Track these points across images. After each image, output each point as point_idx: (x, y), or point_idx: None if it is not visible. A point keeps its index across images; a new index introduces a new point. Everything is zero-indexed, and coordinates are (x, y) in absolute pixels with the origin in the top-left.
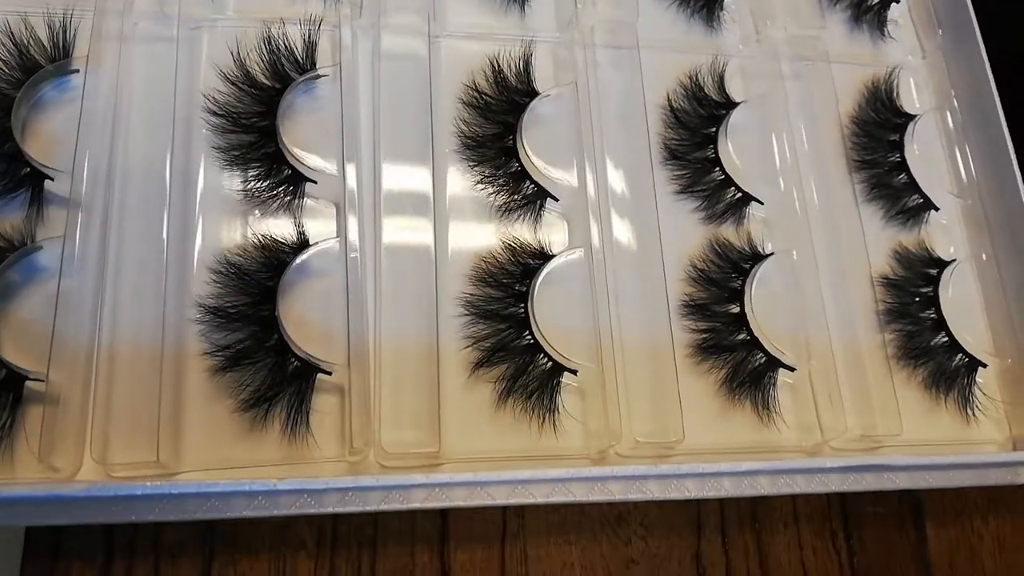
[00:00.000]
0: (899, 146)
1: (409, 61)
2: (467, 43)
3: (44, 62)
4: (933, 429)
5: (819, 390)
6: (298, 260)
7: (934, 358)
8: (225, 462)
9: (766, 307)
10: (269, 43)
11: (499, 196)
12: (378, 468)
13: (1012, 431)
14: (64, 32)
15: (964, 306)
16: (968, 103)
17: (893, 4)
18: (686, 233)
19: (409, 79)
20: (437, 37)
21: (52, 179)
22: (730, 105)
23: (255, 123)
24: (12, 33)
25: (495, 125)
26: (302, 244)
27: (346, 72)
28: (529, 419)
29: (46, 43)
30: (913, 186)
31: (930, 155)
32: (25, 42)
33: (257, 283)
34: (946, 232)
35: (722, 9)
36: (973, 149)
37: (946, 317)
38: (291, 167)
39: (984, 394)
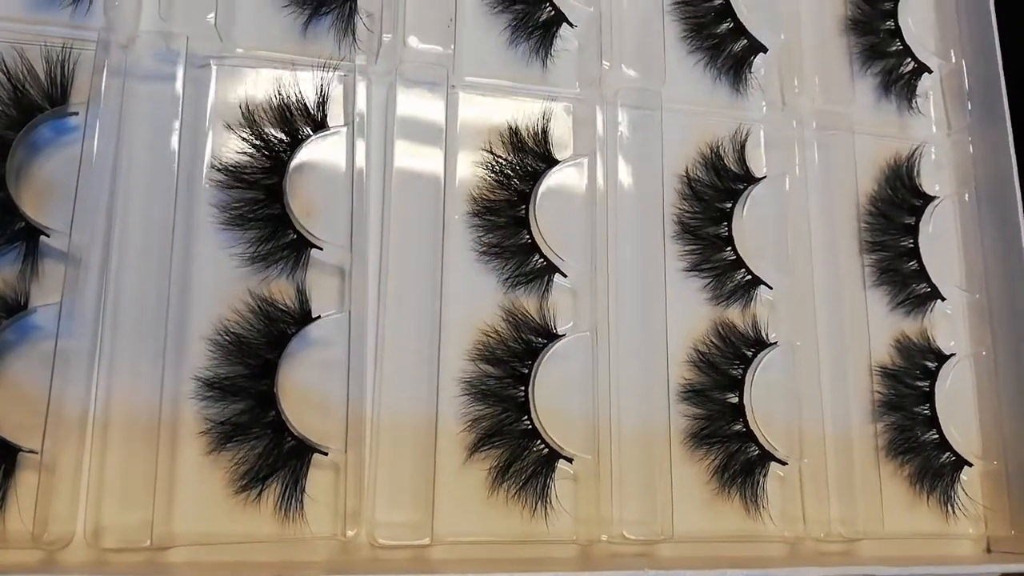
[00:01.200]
0: (913, 231)
1: (425, 113)
2: (486, 96)
3: (40, 99)
4: (913, 523)
5: (807, 483)
6: (300, 333)
7: (922, 454)
8: (217, 537)
9: (764, 395)
10: (279, 93)
11: (507, 268)
12: (369, 548)
13: (987, 529)
14: (63, 68)
15: (958, 403)
16: (988, 192)
17: (925, 74)
18: (692, 313)
19: (424, 133)
20: (455, 88)
21: (48, 236)
22: (749, 179)
23: (260, 180)
24: (6, 67)
25: (509, 192)
26: (305, 316)
27: (358, 127)
28: (521, 505)
29: (43, 78)
30: (922, 274)
31: (944, 242)
32: (21, 77)
33: (257, 355)
34: (950, 323)
35: (750, 71)
36: (987, 242)
37: (939, 413)
38: (296, 231)
39: (966, 493)
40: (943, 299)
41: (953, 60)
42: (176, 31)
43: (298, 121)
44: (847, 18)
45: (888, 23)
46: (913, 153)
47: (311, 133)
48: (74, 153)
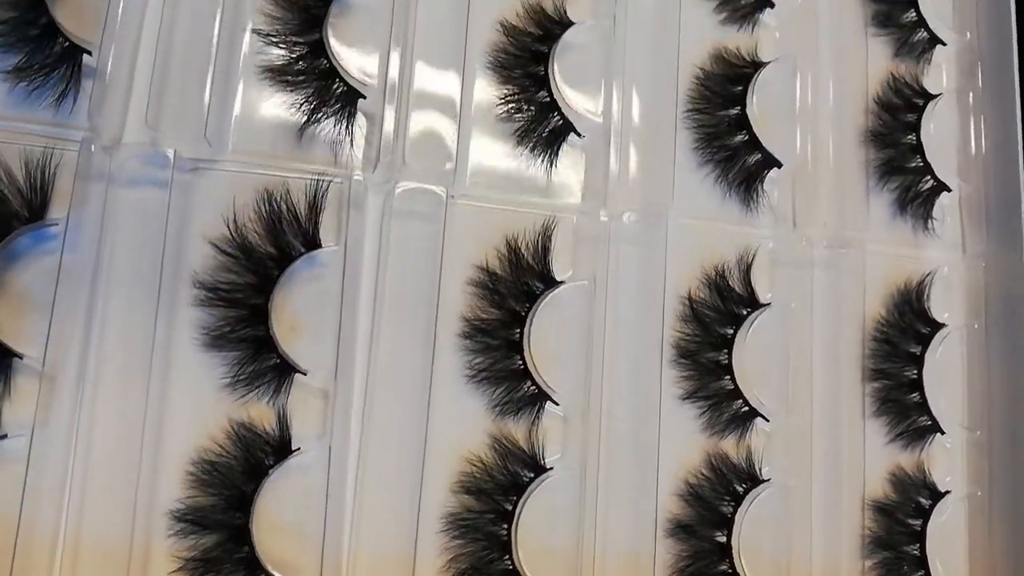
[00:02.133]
0: (919, 361)
1: (421, 226)
2: (486, 207)
3: (19, 207)
4: None
5: None
6: (280, 466)
7: None
8: None
9: (753, 531)
10: (269, 204)
11: (497, 393)
12: None
13: None
14: (43, 173)
15: (949, 541)
16: (997, 324)
17: (944, 193)
18: (685, 442)
19: (419, 247)
20: (454, 198)
21: (21, 358)
22: (754, 304)
23: (245, 299)
24: None
25: (504, 312)
26: (284, 446)
27: (352, 242)
28: None
29: (22, 183)
30: (924, 407)
31: (948, 375)
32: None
33: (232, 486)
34: (948, 458)
35: (762, 187)
36: (992, 378)
37: (928, 554)
38: (280, 356)
39: None
40: (943, 433)
41: (974, 181)
42: (163, 138)
43: (288, 236)
44: (867, 130)
45: (909, 137)
46: (924, 279)
47: (302, 250)
48: (52, 264)
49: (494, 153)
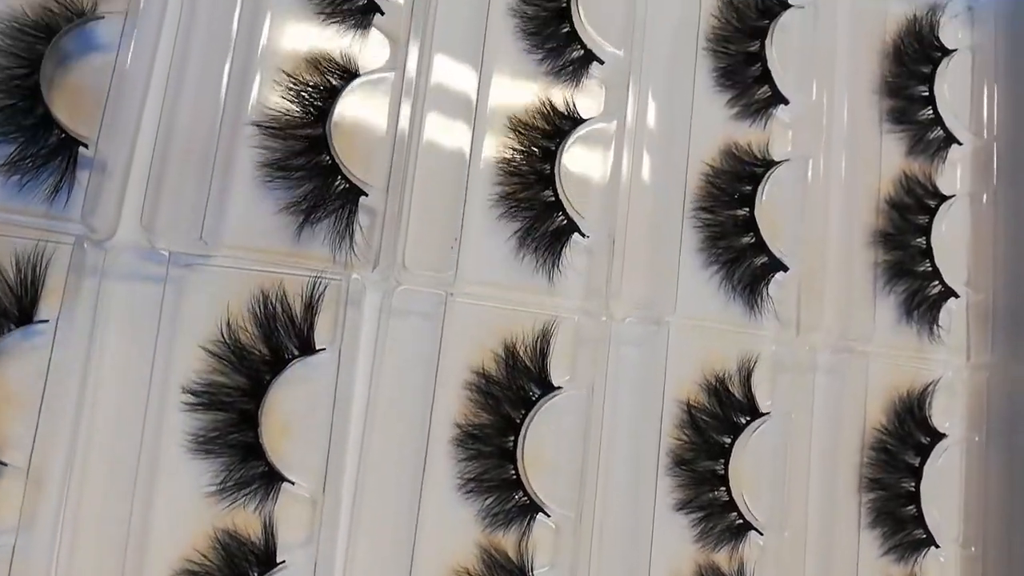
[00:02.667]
0: (916, 473)
1: (420, 321)
2: (486, 306)
3: (8, 303)
4: None
5: None
6: None
7: None
8: None
9: None
10: (264, 305)
11: (488, 503)
12: None
13: None
14: (34, 269)
15: None
16: (998, 438)
17: (952, 299)
18: (677, 553)
19: (417, 344)
20: (454, 296)
21: (5, 464)
22: (754, 412)
23: (235, 403)
24: None
25: (499, 418)
26: (269, 558)
27: (347, 343)
28: None
29: (12, 279)
30: (919, 521)
31: (945, 488)
32: None
33: None
34: (941, 572)
35: (767, 290)
36: (990, 494)
37: None
38: (268, 463)
39: None
40: (937, 546)
41: (983, 288)
42: (158, 235)
43: (283, 338)
44: (877, 230)
45: (920, 239)
46: (927, 387)
47: (296, 353)
48: (41, 363)
49: (496, 251)
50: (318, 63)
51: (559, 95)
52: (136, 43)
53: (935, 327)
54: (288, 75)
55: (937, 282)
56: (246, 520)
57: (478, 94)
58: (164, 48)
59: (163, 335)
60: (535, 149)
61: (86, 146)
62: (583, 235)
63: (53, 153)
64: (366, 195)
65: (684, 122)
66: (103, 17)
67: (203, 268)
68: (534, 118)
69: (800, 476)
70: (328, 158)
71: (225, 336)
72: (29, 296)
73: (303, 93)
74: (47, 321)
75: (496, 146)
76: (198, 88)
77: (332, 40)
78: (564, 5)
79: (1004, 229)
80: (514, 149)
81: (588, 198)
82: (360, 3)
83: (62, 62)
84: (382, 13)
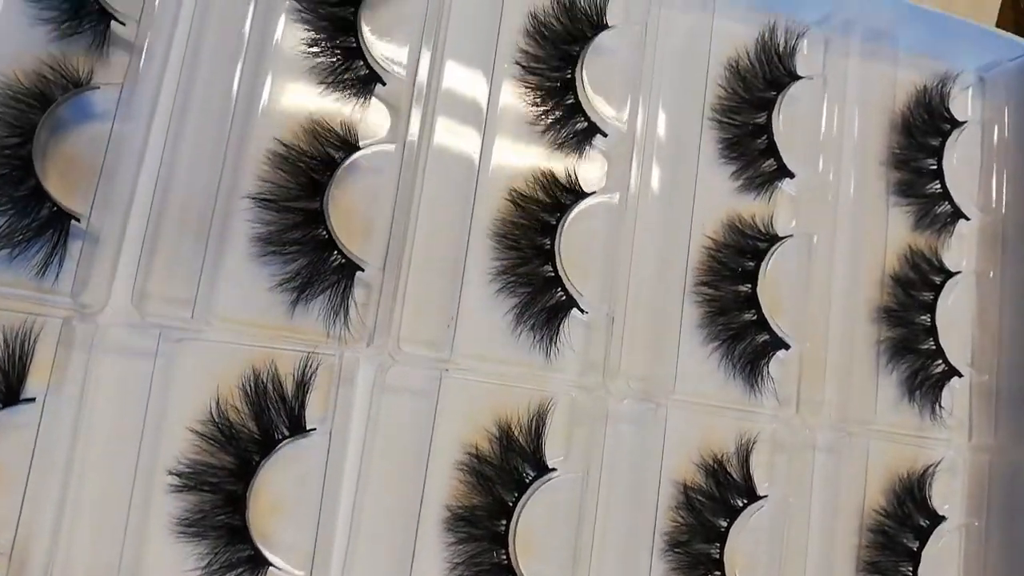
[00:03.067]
0: (915, 557)
1: (414, 398)
2: (482, 382)
3: None
4: None
5: None
6: None
7: None
8: None
9: None
10: (255, 384)
11: None
12: None
13: None
14: (23, 344)
15: None
16: (998, 522)
17: (955, 378)
18: None
19: (410, 421)
20: (449, 371)
21: None
22: (751, 495)
23: (223, 485)
24: None
25: (492, 500)
26: None
27: (339, 421)
28: None
29: (0, 355)
30: None
31: (944, 573)
32: None
33: None
34: None
35: (768, 368)
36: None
37: None
38: (254, 548)
39: None
40: None
41: (986, 368)
42: (150, 310)
43: (273, 418)
44: (881, 306)
45: (924, 316)
46: (928, 469)
47: (286, 433)
48: (27, 441)
49: (493, 327)
50: (317, 133)
51: (561, 167)
52: (132, 114)
53: (937, 407)
54: (286, 145)
55: (940, 361)
56: None
57: (479, 167)
58: (160, 119)
59: (152, 412)
60: (535, 223)
61: (78, 220)
62: (582, 311)
63: (44, 226)
64: (362, 270)
65: (688, 194)
66: (99, 87)
67: (194, 343)
68: (535, 191)
69: (797, 559)
70: (325, 232)
71: (215, 415)
72: (16, 373)
73: (300, 164)
74: (33, 400)
75: (496, 219)
76: (194, 160)
77: (332, 109)
78: (569, 76)
79: (1010, 308)
80: (514, 223)
81: (588, 273)
82: (362, 73)
83: (56, 132)
84: (384, 83)
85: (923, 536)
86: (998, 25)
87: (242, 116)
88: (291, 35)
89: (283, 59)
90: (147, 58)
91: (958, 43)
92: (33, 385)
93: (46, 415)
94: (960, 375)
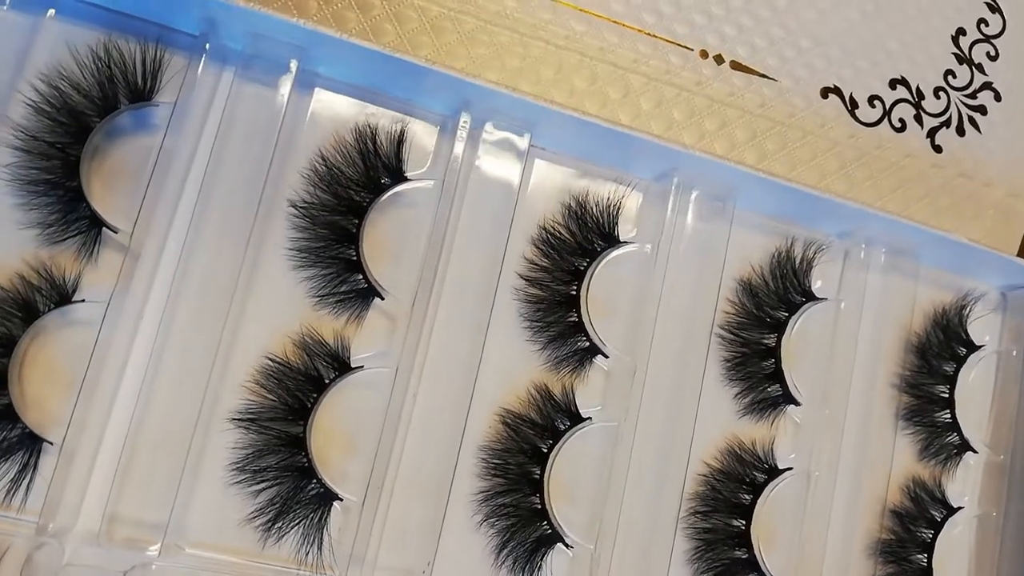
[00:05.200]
0: None
1: None
2: None
3: None
4: None
5: None
6: None
7: None
8: None
9: None
10: None
11: None
12: None
13: None
14: None
15: None
16: None
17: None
18: None
19: None
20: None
21: None
22: None
23: None
24: None
25: None
26: None
27: None
28: None
29: None
30: None
31: None
32: None
33: None
34: None
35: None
36: None
37: None
38: None
39: None
40: None
41: None
42: (120, 533)
43: None
44: (879, 539)
45: (921, 555)
46: None
47: None
48: None
49: (473, 561)
50: (307, 347)
51: (559, 387)
52: (116, 330)
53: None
54: (273, 361)
55: None
56: None
57: (474, 388)
58: (142, 341)
59: None
60: (525, 447)
61: (51, 443)
62: (567, 546)
63: (15, 446)
64: (341, 500)
65: (689, 416)
66: (83, 301)
67: (165, 569)
68: (529, 412)
69: None
70: (304, 459)
71: None
72: None
73: (287, 383)
74: None
75: (484, 443)
76: (177, 382)
77: (326, 322)
78: (574, 292)
79: (1011, 550)
80: (502, 449)
81: (576, 505)
82: (360, 287)
83: (37, 345)
84: (383, 297)
85: None
86: None
87: (232, 328)
88: (284, 237)
89: (276, 272)
90: (138, 270)
91: (981, 265)
92: None
93: None
94: None
